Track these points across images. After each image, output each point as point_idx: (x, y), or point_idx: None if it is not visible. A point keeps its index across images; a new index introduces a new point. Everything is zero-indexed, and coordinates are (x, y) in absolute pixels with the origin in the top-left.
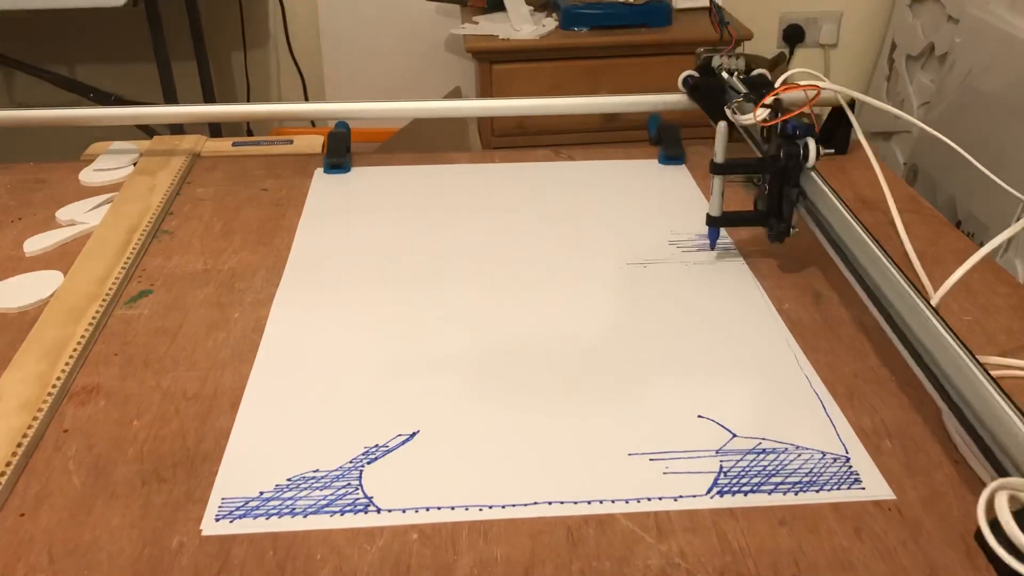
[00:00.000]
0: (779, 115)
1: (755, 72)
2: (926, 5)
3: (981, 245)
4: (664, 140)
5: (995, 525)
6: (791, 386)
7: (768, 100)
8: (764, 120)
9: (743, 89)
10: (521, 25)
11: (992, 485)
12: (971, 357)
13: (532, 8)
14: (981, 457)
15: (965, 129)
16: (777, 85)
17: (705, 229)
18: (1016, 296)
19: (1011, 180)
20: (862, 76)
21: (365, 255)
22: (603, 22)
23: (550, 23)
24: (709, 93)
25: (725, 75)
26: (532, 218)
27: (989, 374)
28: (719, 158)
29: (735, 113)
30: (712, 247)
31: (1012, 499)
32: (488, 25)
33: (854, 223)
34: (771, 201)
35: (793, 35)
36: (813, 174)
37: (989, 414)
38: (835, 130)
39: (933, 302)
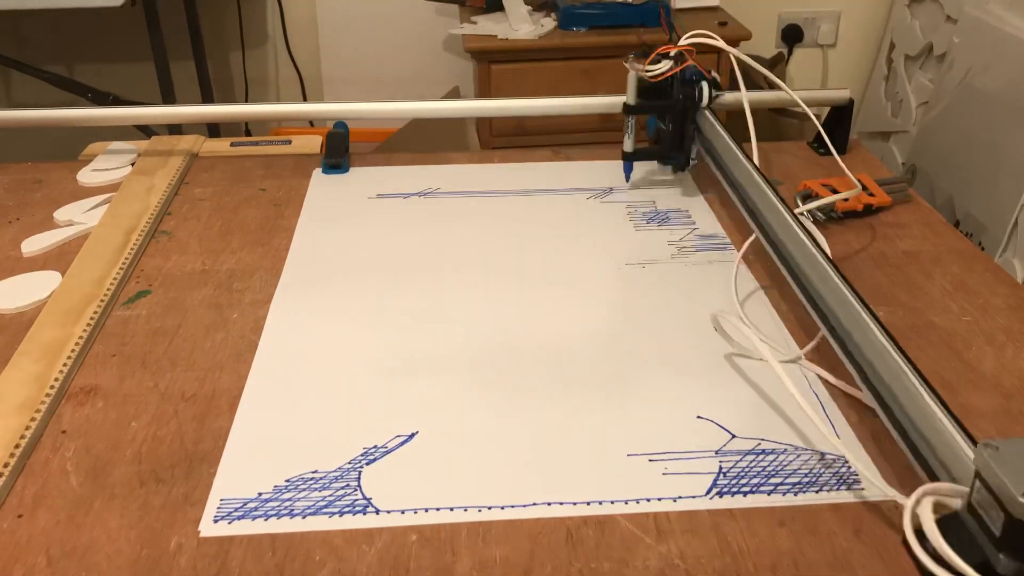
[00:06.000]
0: (678, 65)
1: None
2: (924, 5)
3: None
4: (662, 140)
5: (921, 533)
6: (790, 387)
7: (672, 52)
8: (663, 73)
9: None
10: (520, 25)
11: (917, 492)
12: (897, 349)
13: (531, 8)
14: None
15: (963, 129)
16: (681, 42)
17: (704, 230)
18: (1015, 296)
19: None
20: (860, 76)
21: (363, 256)
22: (602, 22)
23: (548, 23)
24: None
25: None
26: (531, 219)
27: (916, 368)
28: (631, 101)
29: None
30: (627, 180)
31: (938, 505)
32: (487, 25)
33: (741, 157)
34: (674, 137)
35: (791, 35)
36: (707, 113)
37: (915, 409)
38: (833, 131)
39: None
